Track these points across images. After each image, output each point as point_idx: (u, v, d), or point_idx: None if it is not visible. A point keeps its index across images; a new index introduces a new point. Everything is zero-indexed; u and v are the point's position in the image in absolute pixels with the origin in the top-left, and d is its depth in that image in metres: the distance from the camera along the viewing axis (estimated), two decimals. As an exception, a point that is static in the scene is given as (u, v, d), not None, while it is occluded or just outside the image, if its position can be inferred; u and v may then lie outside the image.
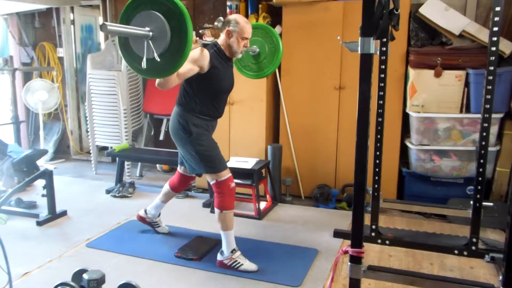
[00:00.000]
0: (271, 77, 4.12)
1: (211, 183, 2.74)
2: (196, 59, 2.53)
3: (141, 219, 3.28)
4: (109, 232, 3.35)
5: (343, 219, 3.61)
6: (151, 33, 2.01)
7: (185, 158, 2.85)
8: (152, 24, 2.01)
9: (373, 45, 1.70)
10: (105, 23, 1.83)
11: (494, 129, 3.49)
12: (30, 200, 3.88)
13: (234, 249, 2.75)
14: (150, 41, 2.02)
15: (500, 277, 1.84)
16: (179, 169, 3.08)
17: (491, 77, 2.36)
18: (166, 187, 3.16)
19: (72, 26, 5.51)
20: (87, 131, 5.21)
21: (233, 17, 2.74)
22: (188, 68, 2.48)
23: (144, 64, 2.04)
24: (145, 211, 3.26)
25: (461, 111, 3.55)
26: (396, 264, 2.84)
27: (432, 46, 3.68)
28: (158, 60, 2.01)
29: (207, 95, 2.70)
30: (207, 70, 2.61)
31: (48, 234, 3.32)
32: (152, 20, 2.01)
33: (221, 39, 2.74)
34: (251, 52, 3.12)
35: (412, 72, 3.60)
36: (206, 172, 2.77)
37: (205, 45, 2.66)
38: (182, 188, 3.18)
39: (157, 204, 3.20)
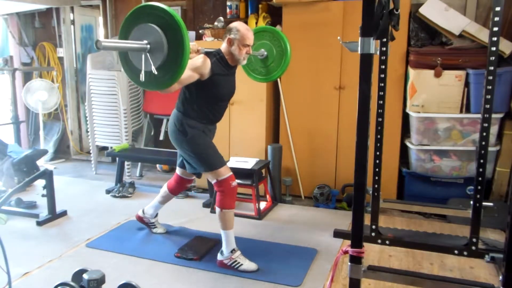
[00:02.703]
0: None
1: (213, 182, 2.78)
2: (196, 66, 2.55)
3: (139, 218, 3.31)
4: (109, 232, 3.35)
5: (343, 219, 3.61)
6: (148, 46, 2.02)
7: (184, 159, 2.89)
8: (149, 37, 2.02)
9: (373, 45, 1.70)
10: (99, 39, 1.85)
11: (494, 129, 3.49)
12: (30, 200, 3.88)
13: (233, 249, 2.76)
14: (148, 54, 2.03)
15: (500, 277, 1.84)
16: (177, 171, 3.10)
17: (491, 77, 2.36)
18: (164, 188, 3.18)
19: (72, 26, 5.51)
20: (87, 131, 5.21)
21: (234, 24, 2.74)
22: (188, 75, 2.50)
23: (142, 77, 2.06)
24: (143, 211, 3.28)
25: (461, 111, 3.55)
26: (396, 264, 2.84)
27: (432, 46, 3.68)
28: (156, 73, 2.03)
29: (205, 101, 2.73)
30: (207, 78, 2.63)
31: (48, 234, 3.32)
32: (149, 33, 2.02)
33: (223, 47, 2.75)
34: (259, 55, 3.14)
35: (412, 72, 3.60)
36: (204, 171, 2.79)
37: (207, 53, 2.68)
38: (180, 190, 3.21)
39: (155, 204, 3.23)
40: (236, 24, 2.74)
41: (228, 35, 2.71)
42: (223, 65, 2.72)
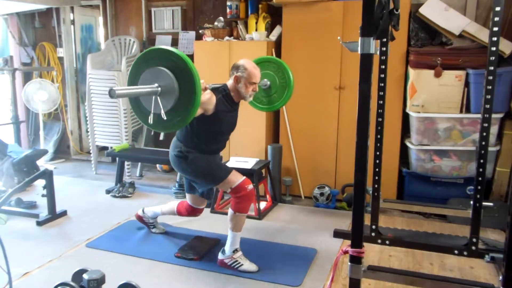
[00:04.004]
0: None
1: (228, 191, 2.75)
2: (202, 102, 2.54)
3: (139, 217, 3.32)
4: (109, 232, 3.35)
5: (343, 219, 3.61)
6: (159, 89, 2.04)
7: (191, 181, 2.87)
8: (161, 80, 2.03)
9: (373, 45, 1.70)
10: (113, 88, 1.85)
11: (494, 129, 3.49)
12: (30, 200, 3.88)
13: (236, 249, 2.76)
14: (158, 97, 2.05)
15: (500, 277, 1.84)
16: (188, 199, 3.02)
17: (491, 77, 2.36)
18: (173, 207, 3.12)
19: (72, 26, 5.51)
20: (87, 131, 5.21)
21: (241, 62, 2.75)
22: None
23: (150, 119, 2.08)
24: (143, 210, 3.29)
25: (461, 111, 3.55)
26: (396, 264, 2.84)
27: (432, 46, 3.68)
28: (165, 118, 2.05)
29: (205, 135, 2.73)
30: (211, 113, 2.64)
31: (48, 234, 3.32)
32: (161, 76, 2.03)
33: (230, 84, 2.77)
34: (263, 85, 3.16)
35: (412, 72, 3.60)
36: (214, 185, 2.81)
37: (214, 89, 2.68)
38: (187, 216, 3.13)
39: (157, 212, 3.23)
40: (244, 62, 2.75)
41: (235, 73, 2.73)
42: (228, 102, 2.74)
